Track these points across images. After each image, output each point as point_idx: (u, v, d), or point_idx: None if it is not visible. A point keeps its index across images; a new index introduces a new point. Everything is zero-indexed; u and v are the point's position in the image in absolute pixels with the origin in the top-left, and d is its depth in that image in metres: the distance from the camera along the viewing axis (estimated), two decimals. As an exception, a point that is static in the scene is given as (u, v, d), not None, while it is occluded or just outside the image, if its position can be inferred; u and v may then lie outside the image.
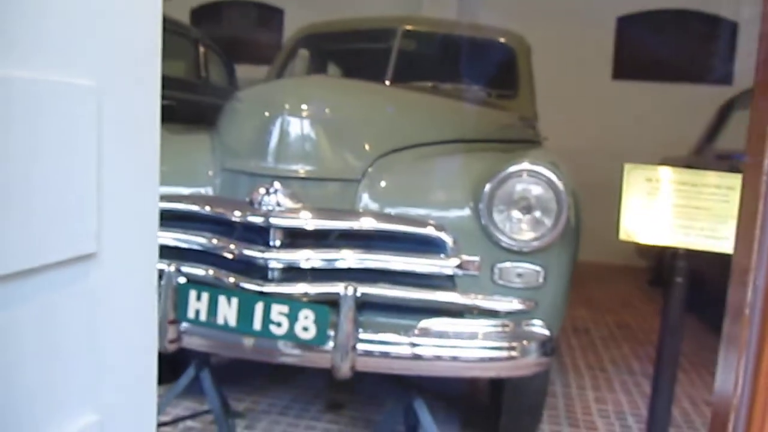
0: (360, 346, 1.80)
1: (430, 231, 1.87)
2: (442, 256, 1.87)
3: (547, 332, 1.91)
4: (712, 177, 2.15)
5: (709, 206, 2.14)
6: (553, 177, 1.86)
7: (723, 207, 2.12)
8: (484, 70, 3.31)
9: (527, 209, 1.86)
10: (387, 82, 2.91)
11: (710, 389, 3.12)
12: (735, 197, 2.12)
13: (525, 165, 1.88)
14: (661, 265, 5.17)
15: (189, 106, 4.33)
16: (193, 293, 1.81)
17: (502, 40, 3.35)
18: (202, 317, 1.80)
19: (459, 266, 1.86)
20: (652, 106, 6.26)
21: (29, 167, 0.75)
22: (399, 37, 3.14)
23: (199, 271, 1.90)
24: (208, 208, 1.92)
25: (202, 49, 5.05)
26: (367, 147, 2.01)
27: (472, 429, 2.51)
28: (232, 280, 1.87)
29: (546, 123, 3.36)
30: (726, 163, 4.02)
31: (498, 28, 3.43)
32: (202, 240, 1.92)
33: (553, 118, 3.38)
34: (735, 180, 2.13)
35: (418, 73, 3.33)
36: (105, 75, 0.89)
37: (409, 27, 3.22)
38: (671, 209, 2.12)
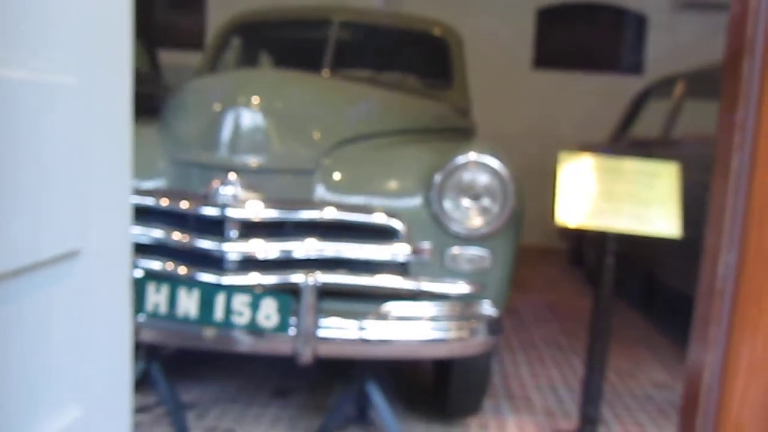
0: (320, 333, 1.86)
1: (382, 219, 1.94)
2: (395, 243, 1.94)
3: (494, 312, 2.02)
4: (636, 164, 2.31)
5: (635, 191, 2.30)
6: (499, 166, 1.97)
7: (648, 193, 2.28)
8: (420, 61, 3.39)
9: (475, 197, 1.97)
10: (324, 72, 2.95)
11: (633, 361, 3.37)
12: (658, 183, 2.29)
13: (472, 156, 1.98)
14: (581, 246, 5.46)
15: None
16: (151, 287, 1.81)
17: (436, 31, 3.45)
18: (162, 310, 1.80)
19: (411, 253, 1.94)
20: (570, 95, 6.57)
21: (24, 162, 0.77)
22: (335, 27, 3.17)
23: (155, 264, 1.90)
24: (165, 202, 1.91)
25: (125, 35, 4.89)
26: (319, 138, 2.06)
27: (418, 407, 2.61)
28: (189, 272, 1.87)
29: (469, 111, 3.46)
30: (640, 150, 4.29)
31: (432, 19, 3.52)
32: (158, 233, 1.91)
33: (475, 107, 3.49)
34: (657, 167, 2.30)
35: (354, 63, 3.38)
36: (84, 73, 0.90)
37: (345, 17, 3.26)
38: (602, 194, 2.27)
